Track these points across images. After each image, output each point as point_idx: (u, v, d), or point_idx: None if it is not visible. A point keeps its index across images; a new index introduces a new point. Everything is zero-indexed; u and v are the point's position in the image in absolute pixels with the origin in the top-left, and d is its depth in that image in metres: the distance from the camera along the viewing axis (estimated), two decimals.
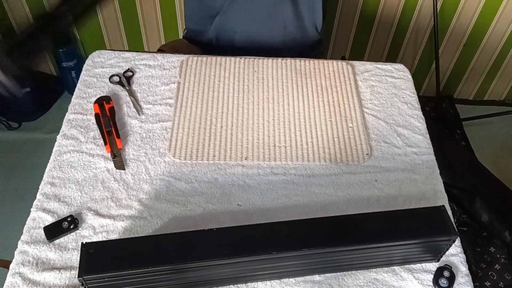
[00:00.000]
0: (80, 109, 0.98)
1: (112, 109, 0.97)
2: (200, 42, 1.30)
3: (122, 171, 0.89)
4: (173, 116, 0.98)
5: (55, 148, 0.92)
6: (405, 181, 0.91)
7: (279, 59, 1.11)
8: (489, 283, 1.51)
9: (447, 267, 0.79)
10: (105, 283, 0.68)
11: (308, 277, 0.77)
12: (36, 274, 0.75)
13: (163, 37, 1.90)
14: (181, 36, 1.40)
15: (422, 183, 0.91)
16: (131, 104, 1.00)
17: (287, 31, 1.21)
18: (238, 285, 0.76)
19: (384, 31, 1.87)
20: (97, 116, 0.96)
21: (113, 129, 0.93)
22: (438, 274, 0.78)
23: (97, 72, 1.06)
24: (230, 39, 1.23)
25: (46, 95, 2.02)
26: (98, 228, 0.81)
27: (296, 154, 0.93)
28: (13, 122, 1.95)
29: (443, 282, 0.77)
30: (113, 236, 0.80)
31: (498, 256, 1.56)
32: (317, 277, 0.77)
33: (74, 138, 0.93)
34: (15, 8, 1.79)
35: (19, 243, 0.79)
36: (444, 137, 1.79)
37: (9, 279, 0.74)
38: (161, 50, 1.25)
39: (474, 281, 0.80)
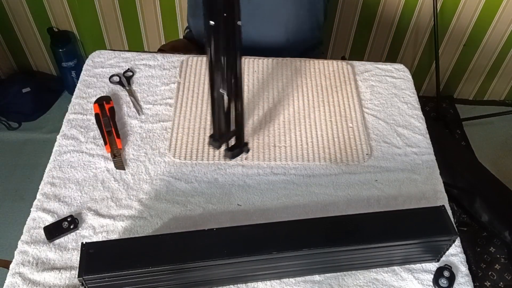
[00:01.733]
0: (80, 109, 0.98)
1: (112, 109, 0.97)
2: (200, 42, 1.30)
3: (122, 171, 0.89)
4: (173, 116, 0.98)
5: (55, 148, 0.92)
6: (405, 181, 0.91)
7: (279, 59, 1.11)
8: (489, 283, 1.51)
9: (447, 267, 0.79)
10: (105, 283, 0.68)
11: (308, 277, 0.77)
12: (36, 274, 0.75)
13: (163, 37, 1.90)
14: (181, 36, 1.40)
15: (422, 183, 0.91)
16: (131, 104, 1.00)
17: (288, 32, 1.21)
18: (238, 285, 0.76)
19: (384, 31, 1.87)
20: (97, 116, 0.96)
21: (113, 129, 0.93)
22: (438, 274, 0.78)
23: (97, 72, 1.06)
24: None
25: (46, 95, 2.02)
26: (98, 228, 0.81)
27: (296, 154, 0.93)
28: (13, 122, 1.95)
29: (443, 282, 0.77)
30: (113, 236, 0.80)
31: (498, 256, 1.56)
32: (317, 277, 0.77)
33: (74, 138, 0.93)
34: (15, 8, 1.80)
35: (19, 243, 0.79)
36: (444, 137, 1.79)
37: (9, 279, 0.74)
38: (161, 50, 1.25)
39: (474, 281, 0.80)
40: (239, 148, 0.84)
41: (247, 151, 0.86)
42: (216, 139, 0.81)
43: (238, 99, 0.78)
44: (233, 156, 0.85)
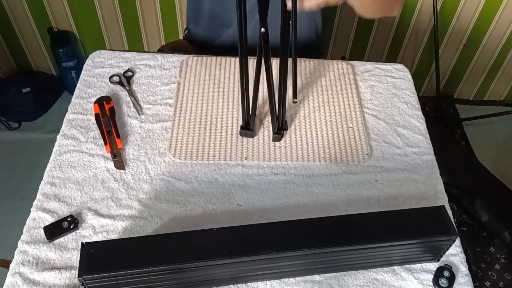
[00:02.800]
0: (80, 109, 0.98)
1: (112, 109, 0.97)
2: (200, 44, 1.30)
3: (122, 171, 0.89)
4: (173, 116, 0.98)
5: (55, 148, 0.92)
6: (405, 181, 0.91)
7: (279, 59, 1.11)
8: (489, 283, 1.51)
9: (447, 267, 0.79)
10: (105, 283, 0.68)
11: (308, 277, 0.77)
12: (36, 274, 0.75)
13: (163, 37, 1.90)
14: (181, 36, 1.40)
15: (422, 183, 0.91)
16: (131, 104, 1.00)
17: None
18: (238, 285, 0.76)
19: (384, 31, 1.87)
20: (97, 116, 0.96)
21: (113, 129, 0.93)
22: (438, 274, 0.78)
23: (97, 72, 1.06)
24: (233, 42, 1.23)
25: (46, 95, 2.02)
26: (98, 228, 0.81)
27: (296, 154, 0.93)
28: (13, 122, 1.95)
29: (443, 282, 0.77)
30: (113, 236, 0.80)
31: (498, 256, 1.56)
32: (317, 277, 0.78)
33: (74, 138, 0.93)
34: (15, 8, 1.80)
35: (19, 243, 0.79)
36: (444, 137, 1.80)
37: (9, 279, 0.74)
38: (161, 51, 1.24)
39: (474, 281, 0.80)
40: (282, 129, 0.95)
41: (286, 129, 0.98)
42: (250, 129, 0.94)
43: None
44: (281, 138, 0.95)
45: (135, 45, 1.93)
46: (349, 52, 1.96)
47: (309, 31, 1.22)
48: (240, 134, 0.95)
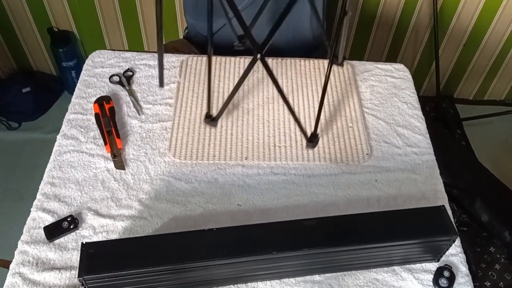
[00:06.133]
0: (80, 109, 0.98)
1: (112, 109, 0.97)
2: (199, 41, 1.29)
3: (122, 171, 0.89)
4: (173, 116, 0.98)
5: (55, 148, 0.92)
6: (405, 181, 0.91)
7: (279, 59, 1.11)
8: (489, 283, 1.51)
9: (447, 267, 0.79)
10: (105, 283, 0.68)
11: (308, 277, 0.77)
12: (36, 274, 0.75)
13: (163, 37, 1.90)
14: (181, 36, 1.40)
15: (422, 183, 0.91)
16: (131, 104, 1.00)
17: (289, 37, 1.21)
18: (238, 285, 0.76)
19: (384, 31, 1.87)
20: (97, 116, 0.96)
21: (113, 129, 0.93)
22: (438, 274, 0.78)
23: (97, 72, 1.06)
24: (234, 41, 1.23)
25: (46, 95, 2.02)
26: (98, 228, 0.81)
27: (296, 154, 0.93)
28: (13, 122, 1.95)
29: (443, 282, 0.77)
30: (113, 236, 0.80)
31: (498, 256, 1.56)
32: (317, 277, 0.78)
33: (74, 138, 0.93)
34: (15, 8, 1.80)
35: (19, 243, 0.79)
36: (444, 137, 1.79)
37: (9, 279, 0.74)
38: None
39: (474, 281, 0.80)
40: (315, 135, 0.92)
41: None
42: (214, 118, 0.92)
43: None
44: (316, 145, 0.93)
45: (135, 45, 1.93)
46: (349, 52, 1.96)
47: (312, 33, 1.22)
48: (205, 121, 0.94)
